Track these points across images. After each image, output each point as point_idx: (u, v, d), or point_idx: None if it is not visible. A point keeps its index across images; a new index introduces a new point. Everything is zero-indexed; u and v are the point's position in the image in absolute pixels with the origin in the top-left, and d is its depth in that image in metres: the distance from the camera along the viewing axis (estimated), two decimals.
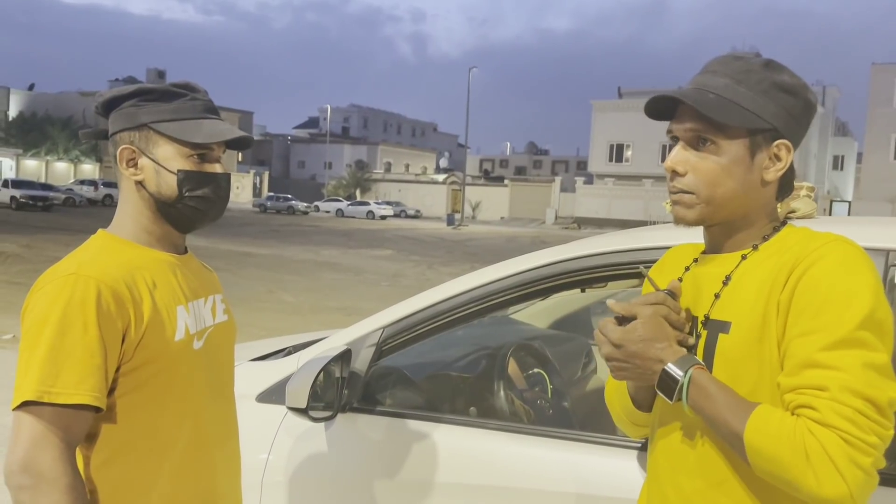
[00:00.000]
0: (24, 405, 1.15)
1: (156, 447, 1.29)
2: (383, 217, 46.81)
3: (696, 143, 1.15)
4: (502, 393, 2.05)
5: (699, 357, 1.14)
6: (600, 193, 49.29)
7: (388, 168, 72.30)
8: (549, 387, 2.32)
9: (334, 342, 1.98)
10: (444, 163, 76.99)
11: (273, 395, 1.99)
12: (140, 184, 1.34)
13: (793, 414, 1.00)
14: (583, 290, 2.53)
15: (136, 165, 1.34)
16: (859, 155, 51.59)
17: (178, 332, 1.31)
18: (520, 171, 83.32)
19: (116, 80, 67.52)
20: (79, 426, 1.19)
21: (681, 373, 1.08)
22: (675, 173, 1.17)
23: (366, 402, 1.92)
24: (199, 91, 1.39)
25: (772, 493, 1.06)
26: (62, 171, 53.85)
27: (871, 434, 0.96)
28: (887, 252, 1.48)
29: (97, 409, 1.20)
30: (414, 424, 1.88)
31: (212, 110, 1.39)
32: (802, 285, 1.04)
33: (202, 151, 1.35)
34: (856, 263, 1.06)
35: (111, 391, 1.24)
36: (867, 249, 1.50)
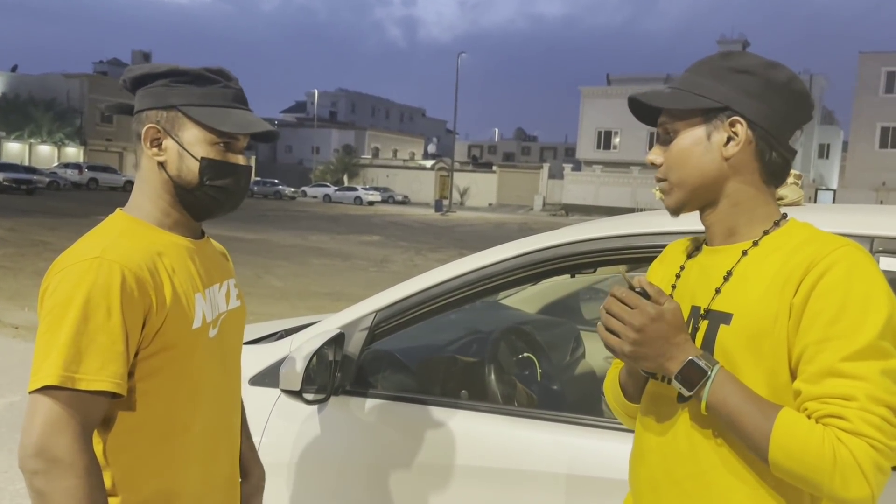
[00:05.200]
0: (43, 389, 1.13)
1: (168, 433, 1.29)
2: (371, 203, 46.69)
3: (665, 136, 1.22)
4: (493, 376, 2.08)
5: (697, 347, 1.15)
6: (588, 180, 49.39)
7: (375, 153, 72.04)
8: (539, 370, 2.36)
9: (327, 326, 2.00)
10: (432, 148, 76.81)
11: (266, 378, 2.01)
12: (161, 165, 1.31)
13: (817, 422, 1.03)
14: (572, 276, 2.57)
15: (159, 146, 1.31)
16: (845, 143, 51.96)
17: (196, 320, 1.30)
18: (508, 157, 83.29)
19: (101, 61, 66.80)
20: (96, 411, 1.18)
21: (708, 366, 1.09)
22: (653, 165, 1.24)
23: (358, 385, 1.94)
24: (232, 79, 1.36)
25: (760, 479, 1.10)
26: (46, 154, 53.29)
27: (893, 440, 1.01)
28: (872, 239, 1.51)
29: (116, 395, 1.19)
30: (406, 407, 1.90)
31: (242, 100, 1.36)
32: (819, 291, 1.06)
33: (227, 140, 1.32)
34: (869, 270, 1.08)
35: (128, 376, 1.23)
36: (852, 236, 1.54)
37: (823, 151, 57.66)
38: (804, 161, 52.59)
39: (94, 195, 36.07)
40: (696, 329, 1.17)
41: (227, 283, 1.45)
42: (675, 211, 1.24)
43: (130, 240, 1.26)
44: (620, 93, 52.83)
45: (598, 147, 53.97)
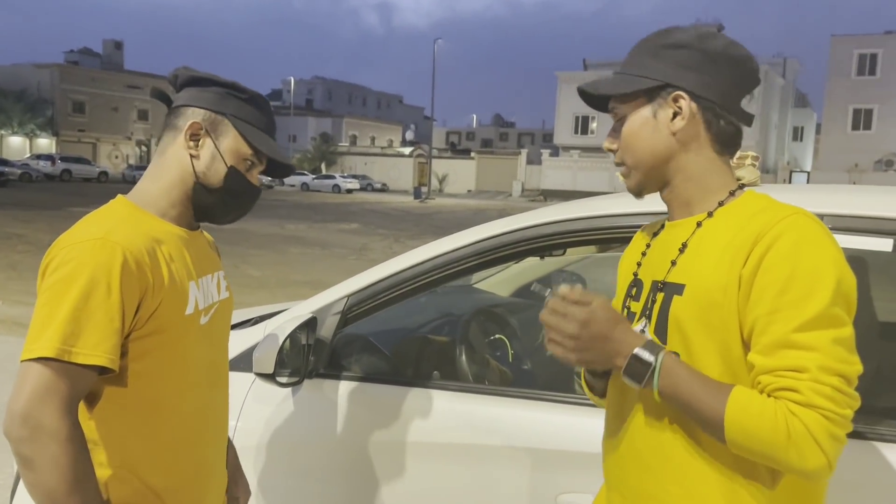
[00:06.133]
0: (36, 359, 1.18)
1: (156, 415, 1.34)
2: (349, 191, 46.51)
3: (617, 121, 1.25)
4: (464, 357, 2.12)
5: (653, 320, 1.18)
6: (566, 165, 49.56)
7: (353, 141, 71.68)
8: (510, 351, 2.40)
9: (300, 311, 2.03)
10: (410, 135, 76.54)
11: (240, 363, 2.04)
12: (191, 159, 1.40)
13: (770, 396, 1.03)
14: (542, 258, 2.61)
15: (197, 142, 1.40)
16: (818, 126, 52.58)
17: (189, 306, 1.37)
18: (486, 143, 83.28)
19: (72, 51, 65.64)
20: (83, 383, 1.22)
21: (652, 357, 1.09)
22: (610, 151, 1.27)
23: (332, 368, 1.98)
24: (270, 109, 1.49)
25: (718, 455, 1.12)
26: (17, 145, 52.44)
27: (846, 408, 1.02)
28: (821, 216, 1.57)
29: (107, 371, 1.24)
30: (379, 388, 1.94)
31: (274, 132, 1.50)
32: (767, 261, 1.06)
33: (253, 161, 1.43)
34: (818, 237, 1.08)
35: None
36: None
37: (797, 134, 58.32)
38: (778, 143, 53.18)
39: (68, 186, 35.59)
40: (653, 301, 1.19)
41: (217, 274, 1.52)
42: (637, 193, 1.26)
43: (132, 224, 1.32)
44: (597, 77, 52.87)
45: (576, 132, 54.13)
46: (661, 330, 1.17)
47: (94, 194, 28.73)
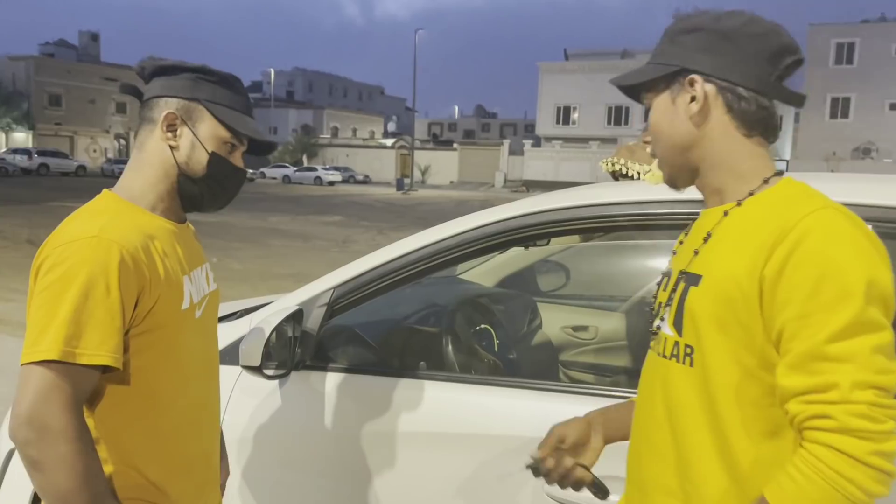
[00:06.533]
0: (40, 362, 1.16)
1: (154, 410, 1.34)
2: (331, 183, 46.31)
3: (648, 112, 1.23)
4: (450, 347, 2.14)
5: (672, 311, 1.14)
6: (548, 156, 49.65)
7: (335, 133, 71.33)
8: (496, 341, 2.42)
9: (286, 303, 2.03)
10: (391, 127, 76.39)
11: (226, 356, 2.03)
12: (172, 150, 1.38)
13: (803, 429, 0.97)
14: (526, 248, 2.62)
15: (174, 132, 1.38)
16: (797, 115, 53.00)
17: (185, 301, 1.37)
18: (468, 134, 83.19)
19: (47, 43, 64.63)
20: (87, 383, 1.22)
21: None
22: (647, 144, 1.28)
23: (318, 360, 1.98)
24: (244, 90, 1.46)
25: (730, 449, 1.07)
26: None
27: (887, 421, 0.95)
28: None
29: (111, 369, 1.24)
30: (366, 379, 1.95)
31: (251, 110, 1.48)
32: (794, 260, 0.99)
33: (234, 144, 1.42)
34: (849, 233, 1.01)
35: None
36: None
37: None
38: None
39: (46, 181, 35.13)
40: (673, 293, 1.15)
41: (204, 266, 1.52)
42: (671, 185, 1.23)
43: (125, 220, 1.31)
44: (578, 68, 53.05)
45: (558, 122, 54.23)
46: (678, 322, 1.12)
47: (73, 188, 28.40)
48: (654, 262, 2.86)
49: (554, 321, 3.04)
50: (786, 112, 59.54)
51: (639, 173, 1.89)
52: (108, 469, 1.30)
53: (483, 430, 1.75)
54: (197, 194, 1.42)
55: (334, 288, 2.00)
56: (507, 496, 1.71)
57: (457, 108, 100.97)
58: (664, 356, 1.15)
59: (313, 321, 1.97)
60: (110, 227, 1.26)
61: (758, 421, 1.05)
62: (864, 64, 45.31)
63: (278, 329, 1.85)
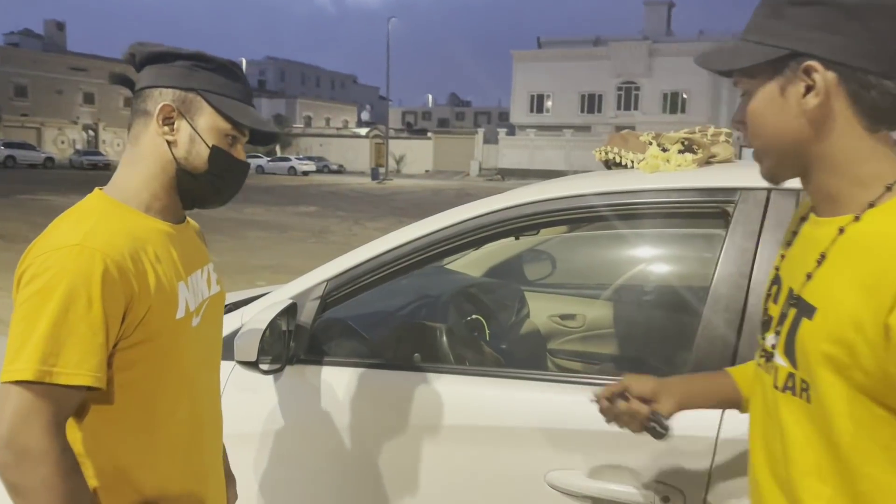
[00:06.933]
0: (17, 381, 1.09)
1: (150, 424, 1.27)
2: (305, 173, 45.97)
3: (743, 95, 1.04)
4: (444, 338, 2.13)
5: (782, 339, 1.00)
6: (522, 144, 49.73)
7: (308, 122, 70.79)
8: (487, 331, 2.42)
9: (278, 297, 2.01)
10: (365, 116, 75.96)
11: None
12: (169, 145, 1.29)
13: None
14: (516, 238, 2.63)
15: (171, 125, 1.29)
16: None
17: (180, 310, 1.28)
18: (442, 123, 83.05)
19: (11, 32, 63.23)
20: (69, 403, 1.14)
21: None
22: (737, 130, 1.09)
23: (312, 354, 1.97)
24: (244, 76, 1.38)
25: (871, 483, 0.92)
26: None
27: None
28: (798, 191, 1.61)
29: (94, 388, 1.16)
30: (360, 372, 1.94)
31: (251, 98, 1.39)
32: None
33: (235, 135, 1.33)
34: None
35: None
36: (782, 190, 1.64)
37: None
38: (728, 119, 54.05)
39: (13, 174, 34.41)
40: (784, 317, 1.00)
41: (206, 268, 1.43)
42: (770, 180, 1.06)
43: (112, 224, 1.21)
44: (552, 56, 53.12)
45: (532, 111, 54.32)
46: (790, 353, 0.98)
47: (43, 181, 27.86)
48: (638, 250, 2.88)
49: (541, 310, 3.05)
50: None
51: (632, 162, 1.89)
52: (101, 486, 1.23)
53: (483, 422, 1.75)
54: (198, 191, 1.34)
55: (327, 281, 1.99)
56: (504, 486, 1.71)
57: (430, 96, 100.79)
58: (777, 387, 1.01)
59: (307, 315, 1.96)
60: (95, 233, 1.17)
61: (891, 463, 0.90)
62: None
63: (272, 323, 1.83)
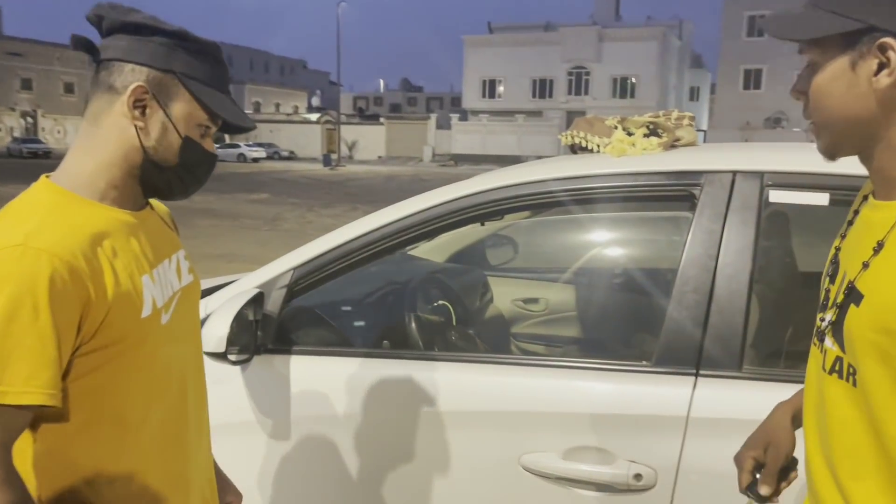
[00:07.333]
0: None
1: (116, 431, 1.14)
2: (256, 160, 45.21)
3: (807, 66, 0.99)
4: (413, 324, 2.13)
5: (833, 320, 0.99)
6: (475, 129, 49.77)
7: (257, 108, 69.59)
8: (454, 316, 2.42)
9: (244, 285, 1.98)
10: (316, 101, 74.95)
11: None
12: (137, 131, 1.15)
13: None
14: (482, 224, 2.63)
15: (142, 110, 1.14)
16: (713, 86, 54.76)
17: (145, 307, 1.14)
18: (395, 108, 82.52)
19: None
20: (18, 423, 1.02)
21: None
22: (797, 100, 1.03)
23: (280, 343, 1.94)
24: (224, 61, 1.25)
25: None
26: None
27: None
28: (762, 174, 1.65)
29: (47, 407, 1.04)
30: (329, 360, 1.92)
31: (229, 86, 1.26)
32: None
33: (209, 125, 1.21)
34: None
35: (64, 375, 1.06)
36: (746, 172, 1.67)
37: (694, 94, 60.55)
38: (677, 104, 55.13)
39: None
40: (837, 299, 0.99)
41: (175, 256, 1.29)
42: (828, 156, 1.02)
43: (60, 218, 1.07)
44: (503, 41, 53.18)
45: (484, 96, 54.36)
46: (839, 337, 0.98)
47: None
48: (605, 234, 2.91)
49: (504, 294, 3.07)
50: (703, 83, 61.36)
51: (598, 146, 1.91)
52: (66, 500, 1.11)
53: (455, 407, 1.75)
54: (163, 184, 1.20)
55: (294, 269, 1.96)
56: (479, 471, 1.72)
57: (382, 81, 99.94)
58: (825, 370, 1.00)
59: (273, 303, 1.93)
60: (39, 230, 1.03)
61: None
62: None
63: (240, 313, 1.80)
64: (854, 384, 0.95)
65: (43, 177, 1.15)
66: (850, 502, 0.95)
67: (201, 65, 1.18)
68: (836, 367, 0.98)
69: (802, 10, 0.97)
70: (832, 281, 1.04)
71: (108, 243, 1.11)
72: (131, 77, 1.13)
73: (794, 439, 1.19)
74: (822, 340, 1.02)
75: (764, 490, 1.16)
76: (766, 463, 1.18)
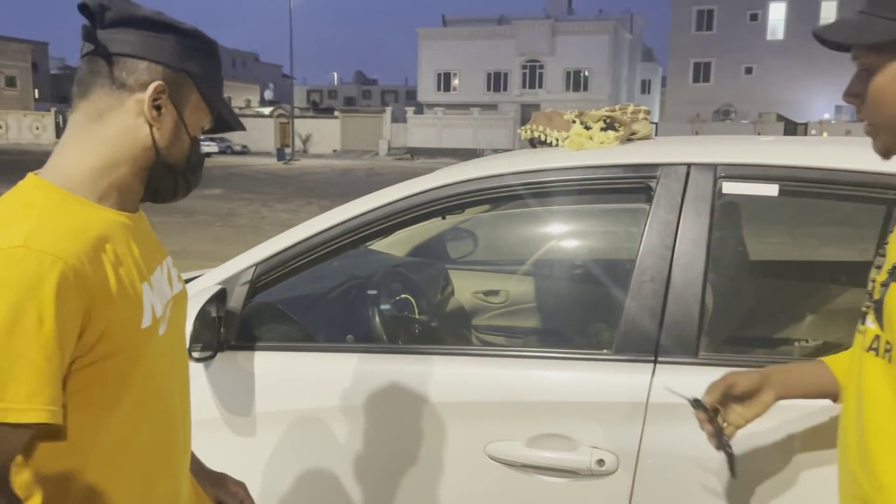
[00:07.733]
0: None
1: (114, 451, 1.07)
2: (208, 154, 44.20)
3: (862, 69, 1.03)
4: (376, 318, 2.14)
5: (876, 300, 1.05)
6: (431, 123, 49.73)
7: None
8: (416, 309, 2.44)
9: (206, 282, 1.96)
10: (269, 95, 73.80)
11: None
12: (151, 129, 1.09)
13: None
14: (443, 218, 2.65)
15: (158, 108, 1.08)
16: (664, 79, 55.63)
17: (146, 318, 1.07)
18: (349, 101, 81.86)
19: None
20: (18, 443, 0.95)
21: None
22: (850, 103, 1.08)
23: (243, 339, 1.93)
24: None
25: None
26: None
27: None
28: (715, 166, 1.70)
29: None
30: (293, 356, 1.93)
31: (222, 84, 1.22)
32: None
33: (204, 127, 1.17)
34: None
35: None
36: (700, 165, 1.72)
37: (645, 87, 61.54)
38: (629, 97, 55.98)
39: None
40: (883, 286, 1.04)
41: (165, 263, 1.21)
42: (883, 155, 1.07)
43: (59, 219, 0.99)
44: (457, 34, 53.23)
45: (439, 89, 54.37)
46: (879, 315, 1.04)
47: None
48: (563, 226, 2.96)
49: (465, 287, 3.10)
50: (654, 76, 62.35)
51: (557, 140, 1.94)
52: None
53: (420, 398, 1.77)
54: (168, 186, 1.14)
55: (256, 265, 1.95)
56: (445, 462, 1.75)
57: (336, 74, 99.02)
58: (864, 348, 1.06)
59: (236, 300, 1.92)
60: (40, 231, 0.94)
61: None
62: (723, 30, 47.94)
63: (202, 310, 1.79)
64: (890, 360, 1.00)
65: (30, 174, 1.06)
66: (880, 475, 1.00)
67: (210, 66, 1.15)
68: (874, 345, 1.03)
69: (858, 18, 1.01)
70: (878, 269, 1.09)
71: (111, 247, 1.03)
72: (148, 75, 1.07)
73: (776, 396, 1.25)
74: (863, 322, 1.08)
75: (704, 398, 1.26)
76: (736, 385, 1.24)
